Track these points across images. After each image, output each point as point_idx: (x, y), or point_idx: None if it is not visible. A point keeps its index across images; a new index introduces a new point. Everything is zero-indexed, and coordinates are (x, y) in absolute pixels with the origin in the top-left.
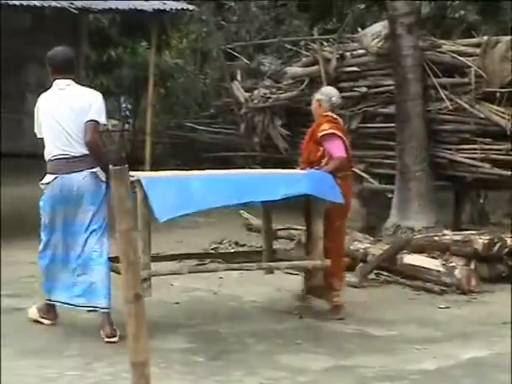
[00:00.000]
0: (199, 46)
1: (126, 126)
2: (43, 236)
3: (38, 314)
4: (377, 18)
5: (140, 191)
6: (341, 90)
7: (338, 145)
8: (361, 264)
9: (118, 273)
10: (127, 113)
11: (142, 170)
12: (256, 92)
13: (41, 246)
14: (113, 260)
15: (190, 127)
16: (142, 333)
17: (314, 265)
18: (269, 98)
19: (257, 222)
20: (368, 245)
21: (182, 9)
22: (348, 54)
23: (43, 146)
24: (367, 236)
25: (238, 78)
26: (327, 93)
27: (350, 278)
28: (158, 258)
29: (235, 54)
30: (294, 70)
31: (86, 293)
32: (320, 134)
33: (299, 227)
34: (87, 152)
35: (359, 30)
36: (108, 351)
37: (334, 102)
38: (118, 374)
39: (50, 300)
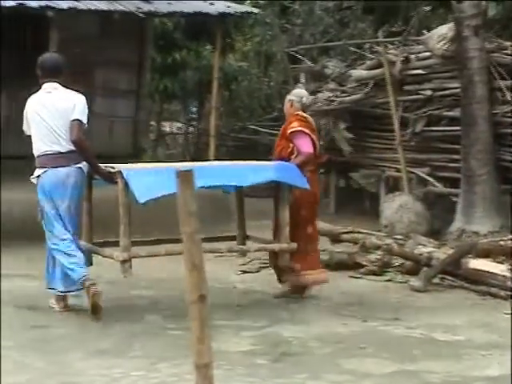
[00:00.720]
0: (263, 49)
1: (190, 128)
2: (44, 227)
3: (53, 301)
4: (443, 20)
5: (121, 181)
6: (406, 92)
7: (306, 141)
8: (425, 268)
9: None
10: (191, 115)
11: None
12: (320, 95)
13: (49, 238)
14: (97, 244)
15: (254, 130)
16: (206, 335)
17: (280, 248)
18: (333, 100)
19: (321, 224)
20: (432, 249)
21: (247, 12)
22: (413, 56)
23: (31, 143)
24: (431, 240)
25: (302, 80)
26: (298, 94)
27: (413, 282)
28: (140, 243)
29: (299, 56)
30: (359, 72)
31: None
32: (289, 131)
33: (363, 231)
34: (73, 148)
35: (425, 32)
36: (172, 352)
37: (305, 102)
38: (182, 375)
39: (50, 289)
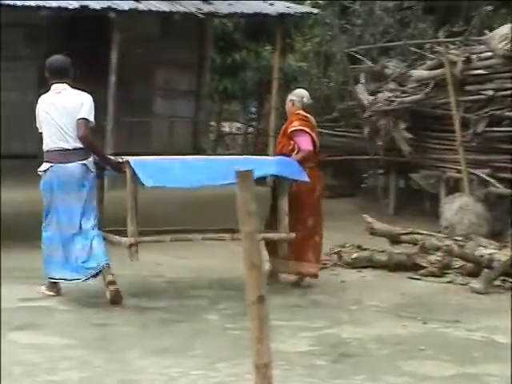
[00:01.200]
0: (323, 50)
1: (250, 128)
2: (44, 218)
3: (45, 288)
4: (504, 19)
5: (129, 170)
6: (467, 93)
7: (306, 139)
8: (486, 270)
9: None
10: (251, 116)
11: None
12: (380, 95)
13: (43, 227)
14: (107, 231)
15: None
16: (265, 335)
17: (279, 237)
18: (393, 101)
19: (380, 225)
20: (493, 250)
21: (306, 12)
22: (474, 56)
23: (42, 140)
24: (492, 242)
25: (362, 81)
26: (299, 94)
27: (474, 284)
28: (147, 232)
29: (359, 57)
30: (420, 72)
31: (79, 268)
32: (290, 130)
33: (423, 232)
34: (79, 146)
35: (486, 32)
36: (231, 352)
37: (305, 102)
38: (241, 375)
39: (50, 278)
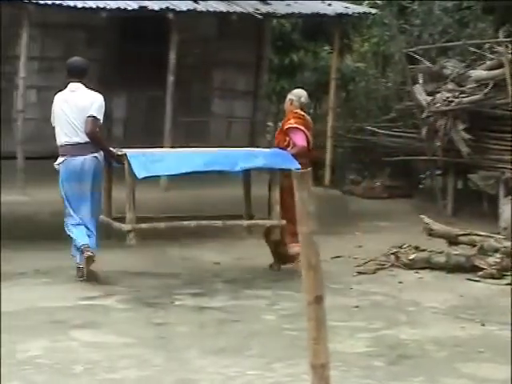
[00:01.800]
0: (381, 50)
1: None
2: (65, 206)
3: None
4: None
5: (126, 162)
6: None
7: (300, 136)
8: None
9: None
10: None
11: (323, 174)
12: (438, 95)
13: (66, 215)
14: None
15: (371, 131)
16: (323, 335)
17: (271, 223)
18: (451, 101)
19: (438, 226)
20: None
21: (364, 12)
22: None
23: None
24: None
25: (420, 81)
26: (298, 94)
27: None
28: (149, 219)
29: (417, 57)
30: (479, 73)
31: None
32: (286, 127)
33: (481, 233)
34: (88, 141)
35: None
36: (288, 352)
37: (303, 101)
38: (298, 375)
39: (77, 262)
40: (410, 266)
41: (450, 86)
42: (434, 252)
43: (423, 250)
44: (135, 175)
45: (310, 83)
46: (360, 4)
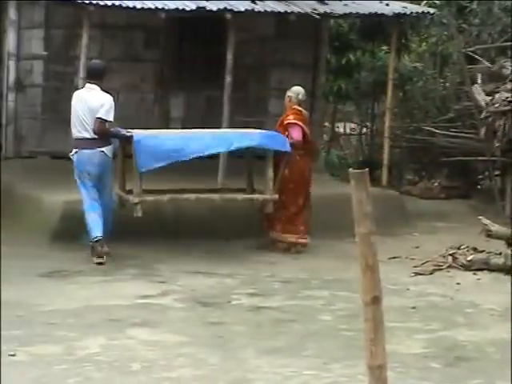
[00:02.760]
0: (439, 50)
1: (364, 129)
2: (81, 193)
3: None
4: None
5: (132, 145)
6: None
7: (297, 131)
8: None
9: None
10: (365, 116)
11: (380, 174)
12: (497, 96)
13: (83, 201)
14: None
15: (428, 131)
16: (380, 336)
17: (264, 198)
18: (511, 101)
19: (497, 228)
20: None
21: (423, 12)
22: None
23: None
24: None
25: (479, 81)
26: (296, 91)
27: None
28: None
29: (476, 57)
30: None
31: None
32: (286, 122)
33: None
34: (96, 136)
35: None
36: (344, 353)
37: (301, 98)
38: (354, 376)
39: (95, 238)
40: (468, 267)
41: (509, 85)
42: (492, 253)
43: (481, 252)
44: (138, 165)
45: (368, 83)
46: (418, 4)
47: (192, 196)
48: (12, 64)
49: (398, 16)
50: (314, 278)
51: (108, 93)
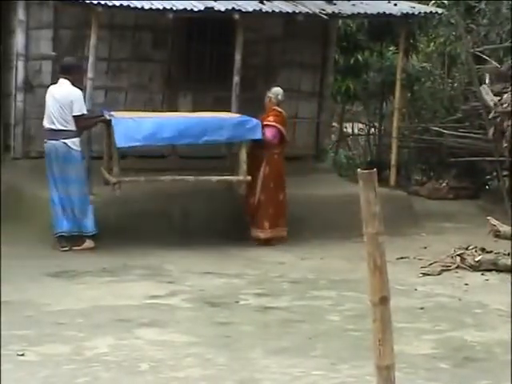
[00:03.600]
0: (447, 50)
1: (372, 129)
2: (48, 182)
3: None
4: None
5: (111, 127)
6: None
7: (272, 132)
8: None
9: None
10: (373, 117)
11: (388, 175)
12: (505, 96)
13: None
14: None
15: (436, 131)
16: (388, 337)
17: (237, 179)
18: None
19: (505, 228)
20: None
21: (431, 12)
22: None
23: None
24: None
25: (487, 81)
26: (276, 92)
27: None
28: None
29: (484, 57)
30: None
31: (78, 224)
32: (264, 123)
33: None
34: (63, 128)
35: None
36: (352, 353)
37: (280, 99)
38: (362, 376)
39: (58, 233)
40: (476, 267)
41: None
42: (500, 254)
43: (489, 252)
44: (116, 143)
45: (376, 83)
46: (426, 4)
47: (167, 178)
48: (21, 64)
49: (406, 16)
50: (321, 278)
51: (77, 87)
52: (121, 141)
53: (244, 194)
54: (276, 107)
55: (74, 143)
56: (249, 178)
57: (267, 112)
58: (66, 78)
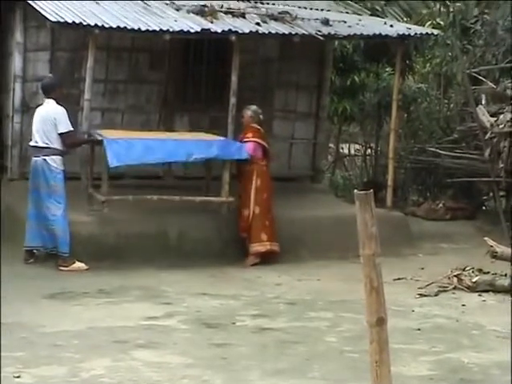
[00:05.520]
0: (443, 70)
1: (368, 150)
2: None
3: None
4: None
5: (104, 147)
6: None
7: (252, 146)
8: None
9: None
10: (369, 137)
11: (384, 195)
12: (502, 117)
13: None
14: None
15: (433, 152)
16: (385, 358)
17: (221, 201)
18: None
19: (502, 249)
20: None
21: (427, 33)
22: None
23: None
24: None
25: (483, 102)
26: (256, 111)
27: None
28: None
29: (480, 78)
30: None
31: (51, 241)
32: (245, 140)
33: None
34: (43, 145)
35: None
36: (350, 375)
37: (261, 118)
38: None
39: (27, 246)
40: (473, 288)
41: None
42: (497, 275)
43: (486, 273)
44: (108, 163)
45: (372, 104)
46: (422, 25)
47: (154, 197)
48: (18, 86)
49: (403, 37)
50: (318, 299)
51: (60, 104)
52: (113, 160)
53: (234, 210)
54: (254, 125)
55: (53, 161)
56: (232, 199)
57: (246, 129)
58: (49, 98)
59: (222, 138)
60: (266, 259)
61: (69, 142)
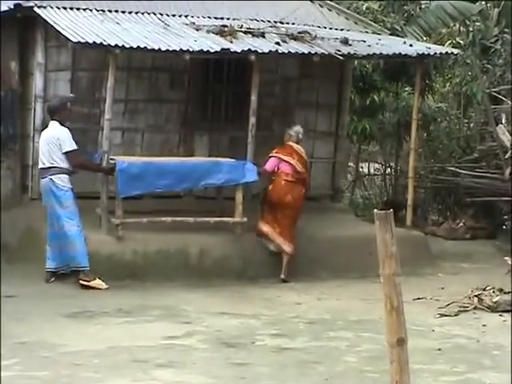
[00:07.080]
0: (463, 90)
1: (388, 169)
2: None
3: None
4: None
5: (115, 174)
6: None
7: (270, 162)
8: None
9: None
10: (389, 157)
11: (404, 215)
12: None
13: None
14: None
15: (453, 171)
16: (406, 378)
17: (234, 221)
18: None
19: None
20: None
21: (447, 53)
22: None
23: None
24: None
25: (503, 121)
26: (297, 130)
27: None
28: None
29: (500, 97)
30: None
31: (72, 260)
32: (270, 155)
33: None
34: (49, 165)
35: None
36: None
37: (300, 137)
38: None
39: (49, 268)
40: (494, 308)
41: None
42: None
43: (507, 293)
44: (118, 192)
45: (392, 124)
46: (442, 44)
47: (169, 219)
48: (39, 106)
49: (422, 56)
50: (338, 318)
51: (64, 126)
52: (123, 191)
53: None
54: (290, 143)
55: (60, 179)
56: (245, 219)
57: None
58: (54, 120)
59: (232, 161)
60: (279, 261)
61: (75, 161)
